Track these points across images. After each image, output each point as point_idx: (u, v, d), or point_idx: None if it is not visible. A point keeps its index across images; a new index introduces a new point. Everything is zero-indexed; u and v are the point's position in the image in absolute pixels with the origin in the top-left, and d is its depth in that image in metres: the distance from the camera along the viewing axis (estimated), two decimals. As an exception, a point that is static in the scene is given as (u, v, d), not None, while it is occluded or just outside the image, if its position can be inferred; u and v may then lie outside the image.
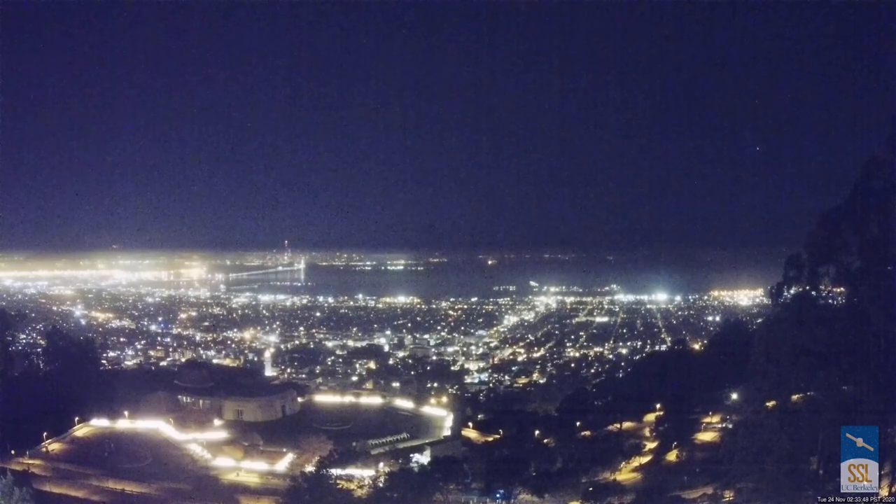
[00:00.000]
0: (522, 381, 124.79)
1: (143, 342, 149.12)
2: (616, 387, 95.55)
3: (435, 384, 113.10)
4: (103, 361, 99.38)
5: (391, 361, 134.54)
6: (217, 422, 74.14)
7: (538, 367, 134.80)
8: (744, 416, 52.68)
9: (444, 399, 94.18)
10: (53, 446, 64.76)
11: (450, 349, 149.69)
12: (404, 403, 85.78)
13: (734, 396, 66.63)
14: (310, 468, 56.97)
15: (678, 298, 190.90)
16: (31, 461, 60.54)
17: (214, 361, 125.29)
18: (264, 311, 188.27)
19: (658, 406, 75.08)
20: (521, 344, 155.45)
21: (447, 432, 74.57)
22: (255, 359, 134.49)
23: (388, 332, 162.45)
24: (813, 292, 49.09)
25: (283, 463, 64.05)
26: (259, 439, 69.58)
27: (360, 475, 57.14)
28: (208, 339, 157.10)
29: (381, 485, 54.74)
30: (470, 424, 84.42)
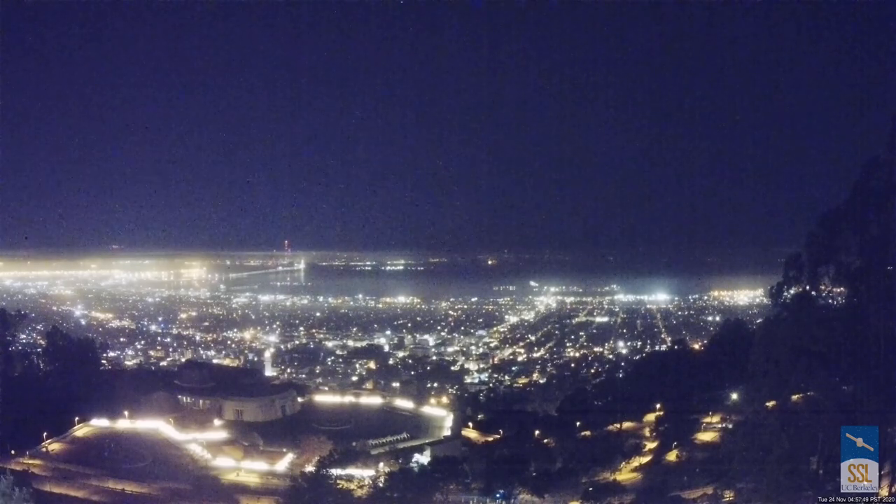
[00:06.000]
0: (522, 381, 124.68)
1: (143, 342, 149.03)
2: (616, 387, 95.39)
3: (435, 384, 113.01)
4: (103, 361, 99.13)
5: (391, 361, 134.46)
6: (217, 422, 74.08)
7: (538, 367, 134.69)
8: (744, 416, 52.73)
9: (444, 399, 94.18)
10: (53, 446, 64.71)
11: (450, 349, 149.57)
12: (404, 403, 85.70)
13: (734, 396, 66.63)
14: (310, 468, 56.97)
15: (678, 298, 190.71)
16: (31, 461, 60.53)
17: (214, 361, 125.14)
18: (264, 312, 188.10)
19: (658, 406, 75.07)
20: (521, 344, 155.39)
21: (447, 432, 74.51)
22: (255, 359, 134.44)
23: (388, 332, 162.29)
24: (813, 292, 49.06)
25: (283, 463, 64.01)
26: (259, 439, 69.54)
27: (360, 475, 57.12)
28: (208, 339, 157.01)
29: (381, 485, 54.75)
30: (470, 424, 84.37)
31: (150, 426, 69.70)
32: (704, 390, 73.93)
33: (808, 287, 48.94)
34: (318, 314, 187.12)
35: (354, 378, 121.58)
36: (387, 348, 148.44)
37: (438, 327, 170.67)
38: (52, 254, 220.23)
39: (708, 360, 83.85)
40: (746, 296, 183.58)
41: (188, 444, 66.59)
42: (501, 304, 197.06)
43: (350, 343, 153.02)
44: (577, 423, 76.34)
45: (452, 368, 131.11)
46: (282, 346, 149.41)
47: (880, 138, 47.47)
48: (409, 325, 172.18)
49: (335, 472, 55.79)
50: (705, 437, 65.13)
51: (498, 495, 57.60)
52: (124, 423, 70.25)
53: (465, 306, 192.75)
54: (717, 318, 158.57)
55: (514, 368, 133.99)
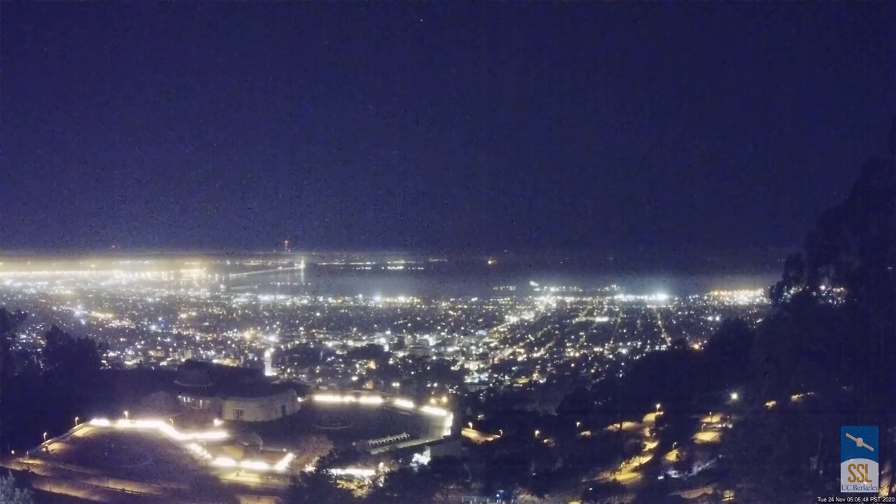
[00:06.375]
0: (522, 381, 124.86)
1: (143, 342, 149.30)
2: (616, 387, 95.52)
3: (435, 384, 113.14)
4: (103, 361, 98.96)
5: (391, 361, 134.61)
6: (217, 422, 74.08)
7: (538, 367, 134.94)
8: (744, 416, 52.77)
9: (444, 399, 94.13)
10: (53, 446, 64.66)
11: (450, 349, 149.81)
12: (404, 403, 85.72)
13: (734, 396, 66.66)
14: (310, 468, 56.91)
15: (678, 298, 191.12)
16: (31, 461, 60.46)
17: (214, 361, 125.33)
18: (264, 311, 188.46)
19: (658, 406, 75.12)
20: (521, 344, 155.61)
21: (447, 432, 74.51)
22: (255, 359, 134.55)
23: (388, 332, 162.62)
24: (813, 292, 49.14)
25: (283, 463, 63.99)
26: (259, 439, 69.52)
27: (360, 475, 57.12)
28: (208, 339, 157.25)
29: (381, 485, 54.72)
30: (470, 424, 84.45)
31: (150, 426, 69.68)
32: (704, 390, 73.91)
33: (808, 287, 49.00)
34: (318, 314, 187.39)
35: (354, 378, 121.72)
36: (387, 348, 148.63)
37: (438, 327, 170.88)
38: (52, 254, 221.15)
39: (708, 360, 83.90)
40: (746, 296, 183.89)
41: (188, 444, 66.56)
42: (501, 304, 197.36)
43: (350, 343, 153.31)
44: (577, 423, 76.37)
45: (452, 368, 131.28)
46: (282, 346, 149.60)
47: (880, 138, 47.57)
48: (409, 325, 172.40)
49: (335, 472, 55.72)
50: (705, 437, 65.14)
51: (498, 495, 57.60)
52: (124, 423, 70.22)
53: (465, 306, 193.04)
54: (717, 318, 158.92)
55: (514, 368, 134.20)
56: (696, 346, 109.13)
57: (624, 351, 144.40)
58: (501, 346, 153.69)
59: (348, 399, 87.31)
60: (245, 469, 62.10)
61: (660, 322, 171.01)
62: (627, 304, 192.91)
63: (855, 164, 50.05)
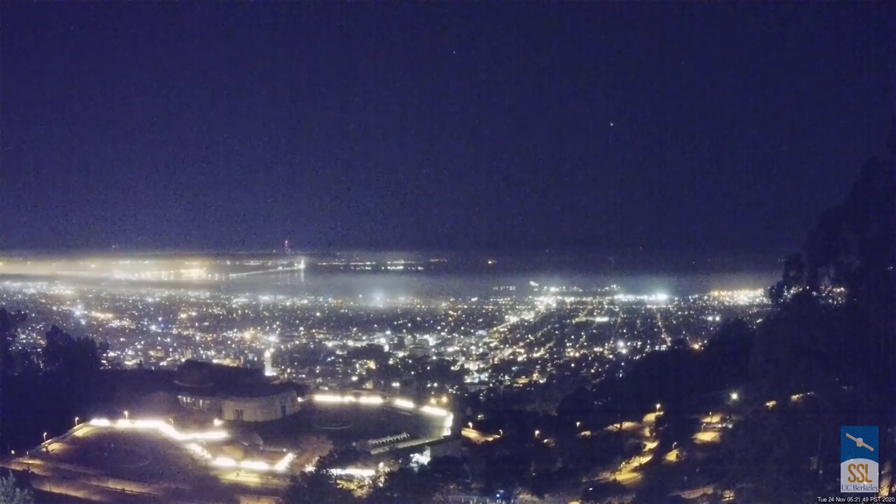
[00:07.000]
0: (522, 381, 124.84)
1: (143, 342, 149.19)
2: (616, 387, 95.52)
3: (435, 384, 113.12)
4: (103, 361, 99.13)
5: (391, 361, 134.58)
6: (217, 422, 74.07)
7: (538, 367, 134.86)
8: (744, 416, 52.83)
9: (444, 399, 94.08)
10: (53, 446, 64.71)
11: (450, 349, 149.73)
12: (404, 403, 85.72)
13: (734, 396, 66.65)
14: (310, 468, 56.91)
15: (678, 298, 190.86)
16: (31, 461, 60.50)
17: (214, 361, 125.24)
18: (264, 311, 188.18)
19: (658, 406, 75.07)
20: (521, 344, 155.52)
21: (447, 432, 74.53)
22: (255, 359, 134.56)
23: (388, 332, 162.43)
24: (813, 292, 49.24)
25: (283, 463, 64.02)
26: (259, 439, 69.56)
27: (360, 475, 57.13)
28: (208, 339, 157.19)
29: (381, 485, 54.72)
30: (470, 424, 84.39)
31: (150, 426, 69.66)
32: (704, 390, 73.95)
33: (808, 287, 49.11)
34: (318, 314, 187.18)
35: (354, 378, 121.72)
36: (387, 348, 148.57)
37: (438, 327, 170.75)
38: (52, 254, 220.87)
39: (708, 360, 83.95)
40: (746, 296, 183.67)
41: (188, 444, 66.54)
42: (501, 304, 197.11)
43: (350, 343, 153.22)
44: (577, 423, 76.31)
45: (452, 368, 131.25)
46: (282, 346, 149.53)
47: (880, 138, 47.66)
48: (409, 325, 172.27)
49: (335, 472, 55.72)
50: (705, 437, 65.13)
51: (498, 495, 57.60)
52: (124, 423, 70.21)
53: (465, 306, 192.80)
54: (717, 318, 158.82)
55: (514, 368, 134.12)
56: (696, 346, 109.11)
57: (624, 351, 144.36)
58: (501, 346, 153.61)
59: (348, 399, 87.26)
60: (245, 469, 62.12)
61: (660, 322, 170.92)
62: (627, 304, 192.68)
63: (855, 164, 50.17)
